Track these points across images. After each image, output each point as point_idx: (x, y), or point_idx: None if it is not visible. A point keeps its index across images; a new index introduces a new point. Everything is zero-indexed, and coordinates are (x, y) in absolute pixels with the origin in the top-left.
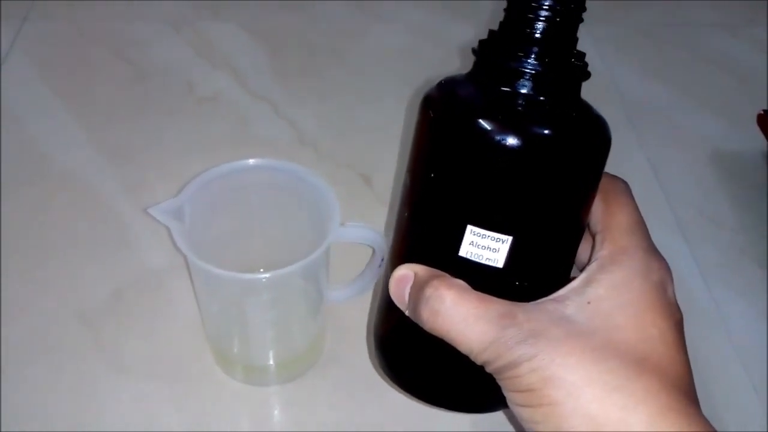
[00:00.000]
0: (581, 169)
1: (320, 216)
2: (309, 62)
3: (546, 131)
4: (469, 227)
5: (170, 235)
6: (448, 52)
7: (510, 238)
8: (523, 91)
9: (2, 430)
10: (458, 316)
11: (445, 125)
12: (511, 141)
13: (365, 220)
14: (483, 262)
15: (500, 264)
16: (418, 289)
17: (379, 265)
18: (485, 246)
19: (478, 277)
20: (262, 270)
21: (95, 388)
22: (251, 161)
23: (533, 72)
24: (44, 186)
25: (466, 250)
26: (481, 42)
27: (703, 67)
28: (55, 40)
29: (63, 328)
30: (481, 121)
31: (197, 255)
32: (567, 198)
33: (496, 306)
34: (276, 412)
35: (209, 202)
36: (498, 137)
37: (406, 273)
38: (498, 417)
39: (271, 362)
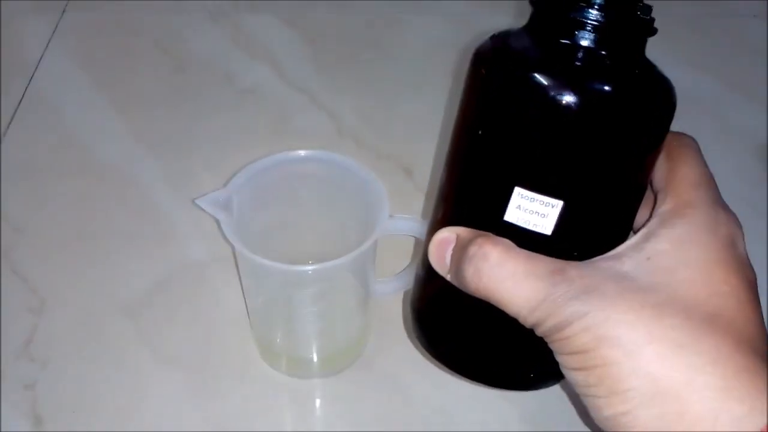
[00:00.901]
0: (643, 130)
1: (368, 208)
2: (347, 53)
3: (607, 88)
4: (517, 189)
5: (215, 227)
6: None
7: (560, 203)
8: (584, 44)
9: (44, 424)
10: (505, 273)
11: (497, 78)
12: (568, 97)
13: (406, 212)
14: (530, 228)
15: (548, 231)
16: (461, 249)
17: None
18: (533, 210)
19: (524, 244)
20: (310, 262)
21: (138, 380)
22: (301, 152)
23: (595, 23)
24: (85, 178)
25: (512, 215)
26: None
27: (748, 59)
28: (94, 31)
29: (105, 320)
30: (535, 74)
31: (245, 246)
32: (626, 161)
33: (546, 263)
34: (319, 405)
35: (257, 193)
36: (554, 92)
37: (448, 236)
38: (550, 410)
39: (315, 355)
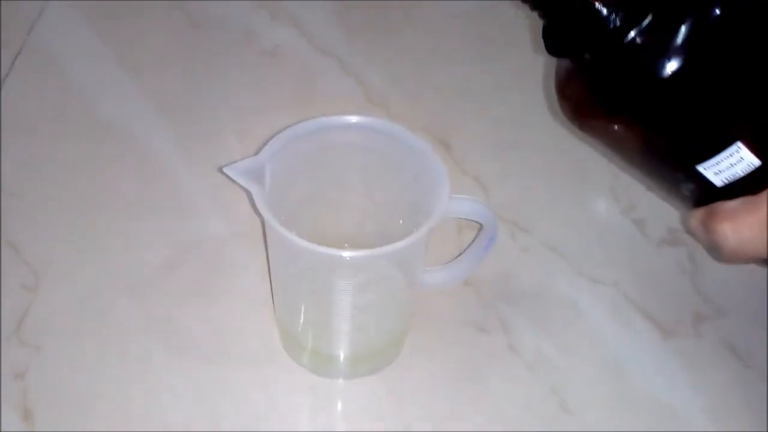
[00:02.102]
0: None
1: (421, 186)
2: (377, 17)
3: None
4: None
5: (235, 198)
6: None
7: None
8: None
9: (35, 420)
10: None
11: None
12: None
13: None
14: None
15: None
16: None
17: (487, 247)
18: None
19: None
20: (345, 245)
21: (144, 371)
22: (346, 118)
23: None
24: (88, 140)
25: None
26: None
27: None
28: None
29: (109, 301)
30: None
31: (282, 223)
32: None
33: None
34: (340, 408)
35: (291, 163)
36: None
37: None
38: None
39: (343, 352)
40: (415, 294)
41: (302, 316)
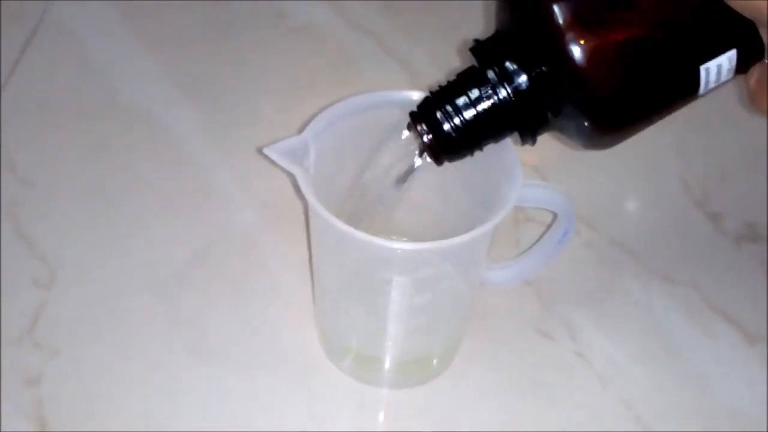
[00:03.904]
0: None
1: (487, 172)
2: None
3: None
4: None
5: (267, 186)
6: None
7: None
8: None
9: (51, 428)
10: None
11: None
12: None
13: None
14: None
15: None
16: None
17: (561, 241)
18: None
19: None
20: (393, 238)
21: (169, 376)
22: (401, 93)
23: None
24: (107, 123)
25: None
26: None
27: None
28: None
29: (129, 300)
30: None
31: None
32: None
33: None
34: (383, 420)
35: (338, 143)
36: None
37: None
38: None
39: (390, 358)
40: (474, 295)
41: (346, 316)
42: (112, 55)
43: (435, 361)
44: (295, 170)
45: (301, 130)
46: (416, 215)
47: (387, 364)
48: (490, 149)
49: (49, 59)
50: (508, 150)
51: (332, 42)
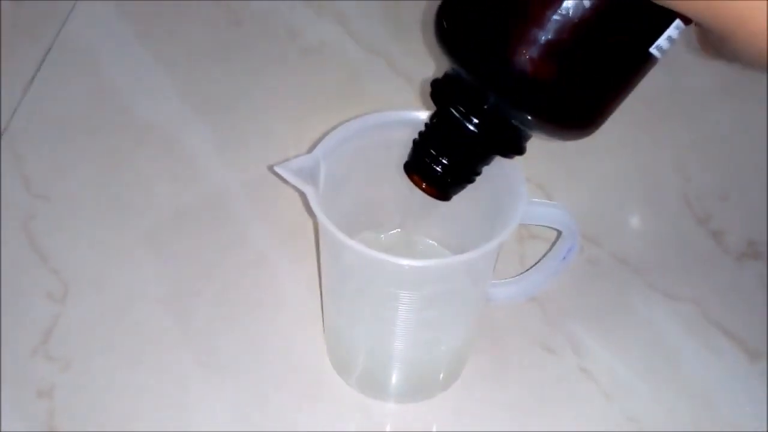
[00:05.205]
0: None
1: (493, 190)
2: (428, 15)
3: None
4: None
5: (277, 205)
6: None
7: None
8: None
9: None
10: None
11: None
12: None
13: None
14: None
15: None
16: None
17: (564, 258)
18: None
19: None
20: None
21: (180, 388)
22: (409, 113)
23: None
24: (122, 140)
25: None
26: None
27: None
28: None
29: (142, 314)
30: None
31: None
32: None
33: None
34: None
35: (348, 162)
36: None
37: None
38: None
39: (397, 373)
40: (481, 310)
41: (355, 331)
42: (126, 73)
43: (441, 376)
44: (306, 188)
45: (311, 149)
46: (424, 230)
47: (394, 379)
48: (496, 168)
49: (64, 76)
50: (513, 169)
51: (343, 62)
